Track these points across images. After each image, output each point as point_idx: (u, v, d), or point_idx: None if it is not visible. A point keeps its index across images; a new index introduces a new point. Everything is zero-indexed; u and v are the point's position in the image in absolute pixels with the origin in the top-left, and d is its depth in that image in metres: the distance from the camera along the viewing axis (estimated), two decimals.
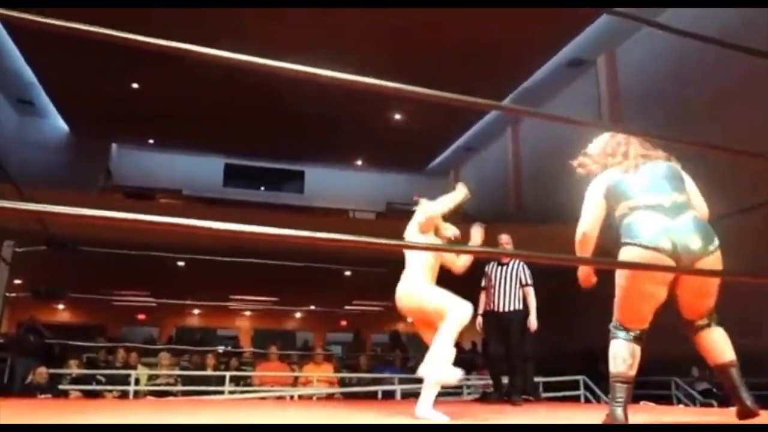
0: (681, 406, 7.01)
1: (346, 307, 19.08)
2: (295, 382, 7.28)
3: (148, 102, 14.76)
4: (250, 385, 7.44)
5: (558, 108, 15.32)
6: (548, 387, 7.50)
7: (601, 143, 2.77)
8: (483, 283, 5.10)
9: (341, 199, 18.40)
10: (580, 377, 7.68)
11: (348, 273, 14.29)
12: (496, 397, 4.94)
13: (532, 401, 5.26)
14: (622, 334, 2.45)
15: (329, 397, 7.12)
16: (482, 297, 5.04)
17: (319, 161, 20.18)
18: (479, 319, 4.99)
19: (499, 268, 4.99)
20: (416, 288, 3.17)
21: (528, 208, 15.85)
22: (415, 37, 12.10)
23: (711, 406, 7.55)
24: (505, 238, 5.05)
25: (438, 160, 20.42)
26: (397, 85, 1.37)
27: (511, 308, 4.85)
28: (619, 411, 2.27)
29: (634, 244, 2.38)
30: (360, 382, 7.84)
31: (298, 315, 20.34)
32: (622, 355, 2.38)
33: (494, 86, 14.38)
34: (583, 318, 13.50)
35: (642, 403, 6.54)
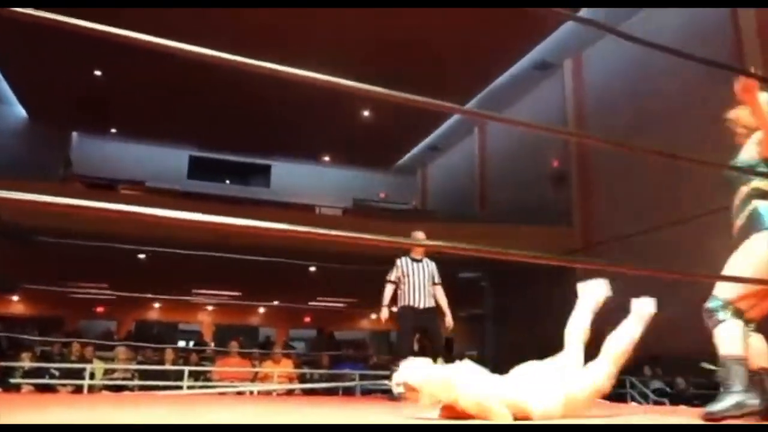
0: (634, 404, 7.19)
1: (311, 304, 19.01)
2: (255, 377, 7.24)
3: (111, 90, 14.44)
4: (209, 380, 7.37)
5: (525, 109, 15.54)
6: None
7: None
8: (392, 276, 4.96)
9: (308, 194, 18.30)
10: None
11: (313, 269, 14.25)
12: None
13: None
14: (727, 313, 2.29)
15: (289, 393, 7.10)
16: (390, 289, 4.92)
17: (287, 156, 20.05)
18: (384, 311, 4.91)
19: (413, 263, 4.95)
20: None
21: (493, 208, 16.04)
22: (383, 38, 12.13)
23: (663, 404, 7.77)
24: (419, 236, 4.98)
25: (405, 158, 20.49)
26: (361, 85, 1.38)
27: (429, 305, 4.85)
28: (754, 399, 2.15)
29: None
30: (321, 379, 7.83)
31: (261, 310, 20.19)
32: (738, 335, 2.24)
33: (463, 87, 14.52)
34: (542, 319, 13.77)
35: (596, 400, 6.68)
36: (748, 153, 2.51)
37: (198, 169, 19.93)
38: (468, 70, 13.69)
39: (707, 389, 8.62)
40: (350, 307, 19.25)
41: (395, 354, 4.89)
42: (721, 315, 2.29)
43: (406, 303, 4.89)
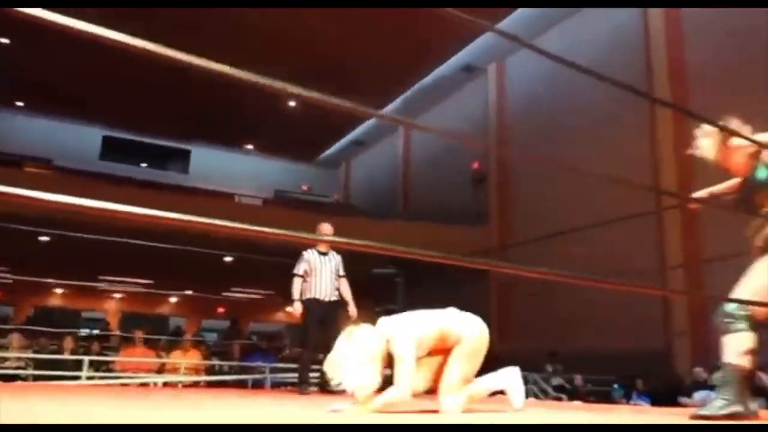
0: (532, 399, 7.52)
1: (225, 294, 18.61)
2: (161, 368, 7.01)
3: (19, 60, 13.51)
4: (111, 370, 7.07)
5: (450, 111, 15.86)
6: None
7: None
8: (299, 270, 4.96)
9: (228, 182, 17.88)
10: None
11: (229, 259, 13.95)
12: (305, 388, 4.78)
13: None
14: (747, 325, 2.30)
15: (195, 384, 6.93)
16: (299, 283, 4.92)
17: (208, 141, 19.50)
18: (297, 305, 4.90)
19: (320, 257, 5.00)
20: None
21: (415, 207, 16.28)
22: (314, 33, 12.06)
23: (561, 400, 8.16)
24: (326, 228, 5.02)
25: (329, 151, 20.42)
26: (277, 83, 1.36)
27: (333, 298, 4.92)
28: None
29: None
30: (231, 371, 7.68)
31: (173, 299, 19.57)
32: (749, 347, 2.28)
33: (389, 85, 14.66)
34: None
35: (497, 395, 6.94)
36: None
37: (111, 150, 19.01)
38: (395, 70, 13.83)
39: (601, 386, 9.17)
40: (267, 299, 18.99)
41: (303, 346, 4.89)
42: (740, 324, 2.30)
43: (313, 296, 4.90)
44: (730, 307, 2.32)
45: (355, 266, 5.15)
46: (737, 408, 2.22)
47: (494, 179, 13.86)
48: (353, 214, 15.94)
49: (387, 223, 13.85)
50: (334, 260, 5.09)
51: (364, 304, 5.94)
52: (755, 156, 2.54)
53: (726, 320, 2.32)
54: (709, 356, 8.21)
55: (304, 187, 20.47)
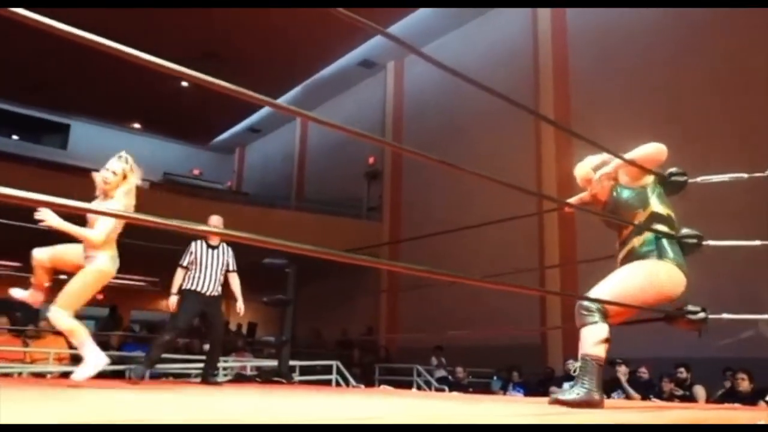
0: (414, 390, 7.77)
1: None
2: (26, 358, 6.51)
3: None
4: None
5: (348, 104, 15.91)
6: (304, 371, 7.76)
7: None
8: (185, 261, 4.84)
9: None
10: (333, 362, 8.08)
11: None
12: (143, 369, 4.64)
13: (284, 383, 5.42)
14: (601, 317, 2.47)
15: (64, 375, 6.49)
16: (181, 275, 4.81)
17: (90, 116, 18.28)
18: (173, 299, 4.80)
19: (209, 250, 4.88)
20: None
21: (309, 198, 16.19)
22: (211, 19, 11.69)
23: (443, 391, 8.48)
24: (215, 220, 4.92)
25: (224, 136, 19.83)
26: (171, 65, 1.31)
27: (216, 293, 4.83)
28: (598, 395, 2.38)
29: None
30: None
31: (45, 285, 18.19)
32: (602, 338, 2.44)
33: (287, 74, 14.47)
34: (340, 307, 14.25)
35: (381, 387, 7.12)
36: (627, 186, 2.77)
37: None
38: (294, 59, 13.69)
39: (481, 378, 9.64)
40: (150, 286, 18.13)
41: (166, 332, 4.70)
42: (595, 316, 2.45)
43: (193, 287, 4.74)
44: (588, 302, 2.49)
45: (245, 256, 5.04)
46: (594, 396, 2.38)
47: (388, 175, 14.09)
48: (246, 202, 15.58)
49: (279, 213, 13.68)
50: (225, 255, 4.92)
51: (252, 294, 5.85)
52: (614, 179, 2.82)
53: (583, 313, 2.49)
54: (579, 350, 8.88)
55: (196, 172, 19.73)
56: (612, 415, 2.15)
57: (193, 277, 4.77)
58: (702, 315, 2.69)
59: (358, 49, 13.83)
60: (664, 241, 2.62)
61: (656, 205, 2.70)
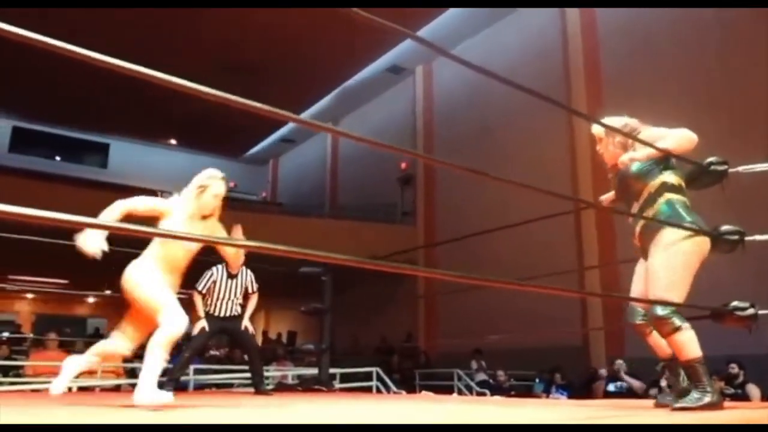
0: (455, 395, 7.71)
1: None
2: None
3: None
4: (21, 375, 6.67)
5: (378, 110, 15.96)
6: (344, 378, 7.78)
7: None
8: (202, 287, 4.88)
9: (150, 178, 17.22)
10: (373, 369, 8.07)
11: None
12: (169, 388, 4.69)
13: (325, 391, 5.45)
14: (681, 319, 2.41)
15: (116, 388, 6.66)
16: (200, 301, 4.87)
17: (128, 135, 18.74)
18: (201, 323, 4.82)
19: (228, 279, 4.90)
20: (137, 272, 2.91)
21: (342, 205, 16.27)
22: (240, 32, 11.88)
23: (484, 395, 8.39)
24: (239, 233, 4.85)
25: (257, 148, 20.10)
26: (194, 86, 1.33)
27: (235, 313, 4.90)
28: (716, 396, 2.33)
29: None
30: None
31: (91, 300, 18.68)
32: (695, 338, 2.39)
33: (316, 84, 14.59)
34: (378, 315, 14.24)
35: (423, 392, 7.08)
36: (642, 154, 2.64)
37: (22, 141, 17.93)
38: (323, 68, 13.79)
39: (522, 381, 9.51)
40: (189, 299, 18.42)
41: (186, 350, 4.85)
42: (677, 321, 2.38)
43: (210, 311, 4.88)
44: (658, 310, 2.40)
45: (281, 265, 5.08)
46: (713, 398, 2.31)
47: (421, 179, 14.06)
48: (281, 212, 15.75)
49: (314, 222, 13.78)
50: (244, 280, 4.99)
51: (291, 303, 5.90)
52: (625, 148, 2.73)
53: (664, 322, 2.40)
54: (623, 350, 8.68)
55: (232, 184, 20.03)
56: (671, 417, 2.09)
57: (212, 303, 4.88)
58: (751, 311, 2.60)
59: (386, 55, 13.86)
60: (678, 207, 2.55)
61: (667, 176, 2.63)
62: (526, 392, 8.69)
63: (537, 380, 9.06)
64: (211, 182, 3.07)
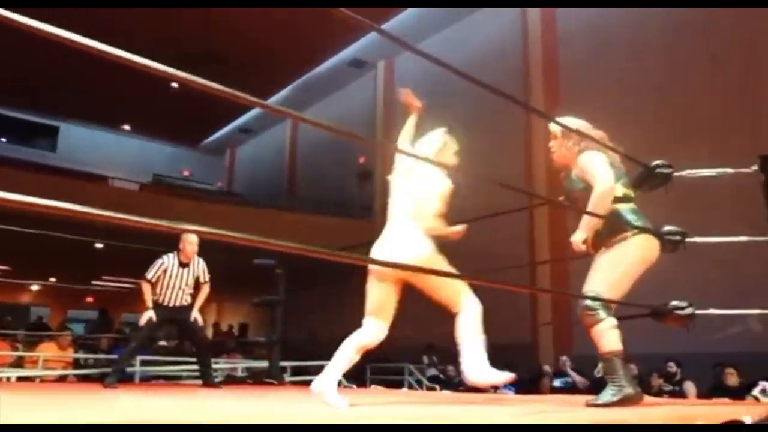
0: (405, 389, 7.78)
1: (95, 283, 17.46)
2: (17, 362, 6.47)
3: None
4: None
5: (338, 103, 15.90)
6: (297, 372, 7.74)
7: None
8: (151, 275, 4.74)
9: (101, 163, 16.75)
10: (324, 363, 8.05)
11: (100, 246, 13.09)
12: (116, 377, 4.63)
13: (275, 385, 5.42)
14: (607, 312, 2.45)
15: (61, 379, 6.47)
16: (149, 289, 4.73)
17: (80, 118, 18.15)
18: (149, 314, 4.70)
19: (179, 268, 4.79)
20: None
21: (301, 197, 16.16)
22: (201, 21, 11.67)
23: (434, 390, 8.49)
24: (192, 237, 4.78)
25: (214, 137, 19.77)
26: (161, 66, 1.31)
27: (185, 302, 4.81)
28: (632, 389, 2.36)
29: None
30: (96, 364, 7.24)
31: (34, 288, 18.07)
32: (617, 332, 2.43)
33: (276, 75, 14.45)
34: (333, 308, 14.22)
35: (372, 387, 7.12)
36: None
37: None
38: (284, 60, 13.69)
39: None
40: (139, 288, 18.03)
41: (132, 340, 4.79)
42: (601, 314, 2.43)
43: (159, 300, 4.77)
44: (586, 300, 2.47)
45: (235, 257, 5.02)
46: (629, 391, 2.36)
47: (380, 174, 14.08)
48: (237, 203, 15.54)
49: (271, 213, 13.65)
50: (195, 270, 4.89)
51: (245, 295, 5.84)
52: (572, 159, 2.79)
53: (588, 313, 2.47)
54: (571, 348, 8.90)
55: (186, 173, 19.66)
56: (601, 415, 2.16)
57: (160, 293, 4.77)
58: (689, 310, 2.70)
59: (348, 48, 13.83)
60: (626, 213, 2.60)
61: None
62: (475, 388, 8.80)
63: None
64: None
